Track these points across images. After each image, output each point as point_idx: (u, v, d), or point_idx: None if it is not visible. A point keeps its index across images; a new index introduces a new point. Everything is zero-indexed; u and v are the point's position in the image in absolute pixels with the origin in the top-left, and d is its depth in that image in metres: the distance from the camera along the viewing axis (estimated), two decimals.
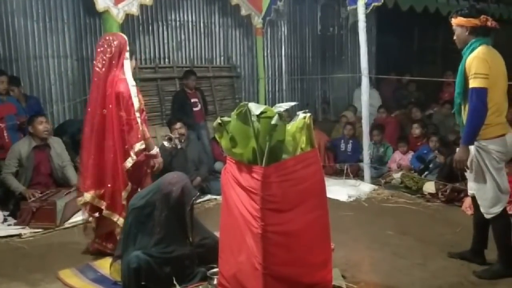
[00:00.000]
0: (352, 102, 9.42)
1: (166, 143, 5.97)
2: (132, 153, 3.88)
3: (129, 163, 3.90)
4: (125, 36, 4.05)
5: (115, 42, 3.93)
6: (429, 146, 6.66)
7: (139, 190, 3.95)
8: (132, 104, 3.89)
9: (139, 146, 3.91)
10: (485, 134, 3.43)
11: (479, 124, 3.39)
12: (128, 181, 3.95)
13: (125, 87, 3.87)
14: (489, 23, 3.48)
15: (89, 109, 4.04)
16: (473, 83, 3.38)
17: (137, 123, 3.89)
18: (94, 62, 4.01)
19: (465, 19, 3.52)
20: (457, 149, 3.63)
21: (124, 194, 3.93)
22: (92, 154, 3.96)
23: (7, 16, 6.41)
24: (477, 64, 3.38)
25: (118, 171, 3.91)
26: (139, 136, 3.91)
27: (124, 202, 3.93)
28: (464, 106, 3.53)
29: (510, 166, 5.27)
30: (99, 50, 3.98)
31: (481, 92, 3.35)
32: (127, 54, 3.97)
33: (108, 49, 3.92)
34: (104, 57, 3.91)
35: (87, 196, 3.97)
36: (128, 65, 3.96)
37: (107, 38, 4.00)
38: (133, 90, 3.92)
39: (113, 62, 3.90)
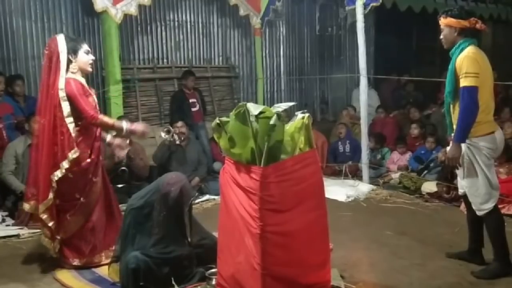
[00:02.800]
0: (351, 102, 9.42)
1: (163, 134, 5.98)
2: (64, 163, 3.69)
3: (56, 176, 3.69)
4: (58, 39, 3.80)
5: (48, 51, 3.80)
6: (426, 146, 6.66)
7: (81, 200, 3.81)
8: (61, 110, 3.70)
9: (71, 155, 3.69)
10: (476, 131, 3.48)
11: (471, 122, 3.44)
12: (50, 193, 3.70)
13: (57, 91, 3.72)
14: (478, 26, 3.53)
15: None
16: (464, 82, 3.42)
17: (68, 130, 3.71)
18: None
19: (455, 20, 3.55)
20: (447, 148, 3.67)
21: (41, 207, 3.72)
22: (32, 164, 3.88)
23: (5, 16, 6.40)
24: (468, 64, 3.42)
25: (44, 181, 3.72)
26: (70, 144, 3.72)
27: (42, 216, 3.73)
28: (454, 105, 3.58)
29: (510, 165, 5.30)
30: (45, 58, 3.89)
31: (472, 91, 3.40)
32: (62, 57, 3.75)
33: (46, 59, 3.81)
34: (45, 67, 3.81)
35: (26, 206, 3.88)
36: (63, 70, 3.73)
37: (46, 46, 3.88)
38: (61, 94, 3.70)
39: (51, 71, 3.76)
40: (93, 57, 3.98)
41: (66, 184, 3.76)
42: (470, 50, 3.48)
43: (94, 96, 3.98)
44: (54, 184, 3.72)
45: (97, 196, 3.92)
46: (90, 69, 3.97)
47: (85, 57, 3.89)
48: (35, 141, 3.92)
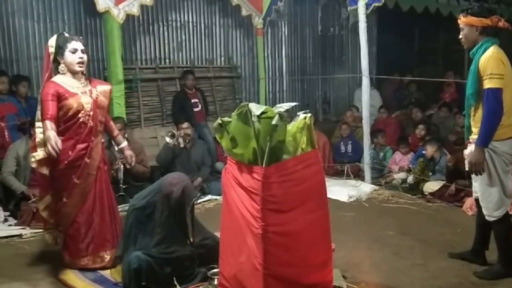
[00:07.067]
0: (353, 102, 9.43)
1: (168, 139, 5.97)
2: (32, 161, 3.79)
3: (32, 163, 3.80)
4: (50, 40, 3.80)
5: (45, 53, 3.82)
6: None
7: (64, 200, 3.76)
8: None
9: (35, 155, 3.74)
10: (498, 135, 3.36)
11: (496, 125, 3.32)
12: (47, 192, 3.84)
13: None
14: (500, 24, 3.41)
15: None
16: (489, 84, 3.30)
17: (34, 133, 3.79)
18: None
19: (476, 18, 3.43)
20: (465, 151, 3.58)
21: (40, 205, 3.86)
22: None
23: (8, 17, 6.42)
24: (493, 64, 3.30)
25: (41, 180, 3.88)
26: (34, 145, 3.76)
27: (42, 213, 3.87)
28: (477, 107, 3.45)
29: None
30: None
31: (498, 93, 3.29)
32: (51, 58, 3.76)
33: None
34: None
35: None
36: (47, 74, 3.76)
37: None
38: (39, 98, 3.72)
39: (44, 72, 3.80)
40: (81, 55, 3.75)
41: (53, 182, 3.81)
42: (494, 50, 3.36)
43: (83, 97, 3.77)
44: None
45: (82, 198, 3.82)
46: (78, 69, 3.76)
47: (70, 57, 3.73)
48: None
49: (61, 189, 3.77)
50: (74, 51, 3.75)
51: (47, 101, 3.63)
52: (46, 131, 3.57)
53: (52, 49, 3.75)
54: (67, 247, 3.88)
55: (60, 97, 3.67)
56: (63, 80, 3.76)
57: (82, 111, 3.75)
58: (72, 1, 6.83)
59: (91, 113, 3.79)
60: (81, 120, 3.75)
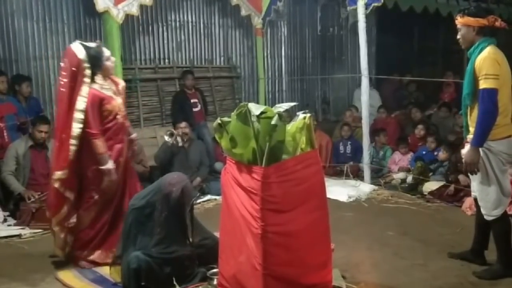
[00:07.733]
0: (352, 102, 9.42)
1: (167, 138, 6.01)
2: (53, 180, 3.73)
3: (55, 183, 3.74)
4: (76, 51, 3.72)
5: (68, 64, 3.75)
6: (427, 146, 6.66)
7: (95, 197, 3.83)
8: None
9: (59, 175, 3.73)
10: (494, 135, 3.37)
11: (491, 125, 3.33)
12: (64, 207, 3.82)
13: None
14: (497, 23, 3.41)
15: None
16: (484, 84, 3.31)
17: (69, 150, 3.69)
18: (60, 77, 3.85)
19: (472, 18, 3.43)
20: (462, 151, 3.58)
21: (54, 221, 3.85)
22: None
23: (7, 17, 6.40)
24: (488, 65, 3.31)
25: (56, 196, 3.82)
26: (62, 163, 3.74)
27: (54, 228, 3.86)
28: (473, 107, 3.46)
29: None
30: (62, 65, 3.83)
31: (492, 93, 3.30)
32: (87, 72, 3.72)
33: (66, 72, 3.75)
34: (63, 79, 3.76)
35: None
36: (84, 90, 3.71)
37: (65, 56, 3.83)
38: (77, 116, 3.68)
39: (72, 85, 3.72)
40: (114, 59, 3.99)
41: (85, 181, 3.83)
42: (490, 51, 3.36)
43: (118, 99, 3.90)
44: (68, 195, 3.81)
45: (111, 196, 3.92)
46: (112, 72, 4.00)
47: (109, 65, 3.90)
48: (52, 155, 3.97)
49: (92, 189, 3.82)
50: (108, 59, 3.89)
51: (90, 115, 3.70)
52: (100, 156, 3.71)
53: (86, 64, 3.72)
54: (80, 239, 3.90)
55: (101, 103, 3.77)
56: (103, 88, 3.85)
57: (120, 112, 3.89)
58: (71, 1, 6.82)
59: (125, 113, 3.95)
60: (119, 121, 3.89)
